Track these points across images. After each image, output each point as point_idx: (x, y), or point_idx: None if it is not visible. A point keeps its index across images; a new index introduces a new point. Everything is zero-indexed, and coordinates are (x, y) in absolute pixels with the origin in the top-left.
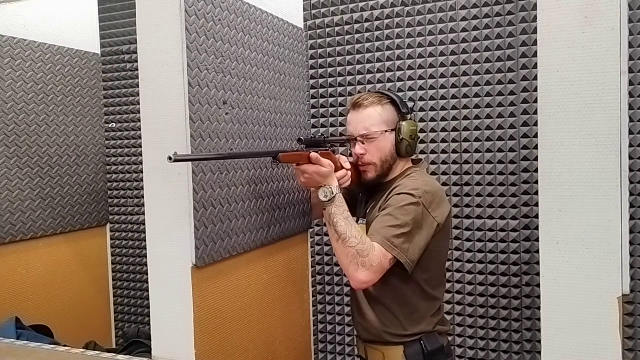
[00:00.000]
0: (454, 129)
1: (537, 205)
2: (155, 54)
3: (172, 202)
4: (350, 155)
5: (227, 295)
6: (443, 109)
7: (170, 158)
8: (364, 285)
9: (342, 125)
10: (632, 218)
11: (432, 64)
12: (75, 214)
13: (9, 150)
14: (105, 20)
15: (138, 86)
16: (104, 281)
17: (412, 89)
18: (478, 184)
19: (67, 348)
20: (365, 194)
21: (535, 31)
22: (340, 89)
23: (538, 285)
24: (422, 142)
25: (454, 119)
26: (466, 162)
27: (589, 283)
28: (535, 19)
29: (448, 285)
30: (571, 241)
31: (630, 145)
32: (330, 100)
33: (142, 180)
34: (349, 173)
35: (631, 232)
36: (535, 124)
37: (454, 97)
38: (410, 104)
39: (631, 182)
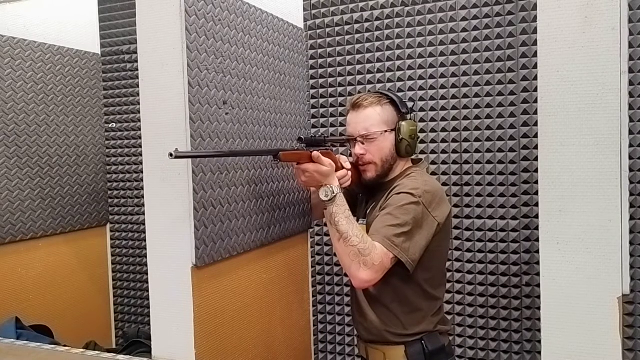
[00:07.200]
0: (454, 129)
1: (537, 205)
2: (155, 54)
3: (172, 202)
4: (350, 155)
5: (227, 295)
6: (443, 109)
7: (171, 154)
8: (365, 285)
9: (342, 125)
10: (632, 218)
11: (432, 64)
12: (75, 214)
13: (9, 150)
14: (105, 20)
15: (138, 86)
16: (104, 281)
17: (412, 89)
18: (478, 184)
19: (67, 348)
20: (365, 194)
21: (535, 31)
22: (340, 89)
23: (538, 285)
24: (422, 142)
25: (454, 119)
26: (466, 162)
27: (589, 283)
28: (535, 19)
29: (448, 285)
30: (571, 241)
31: (630, 145)
32: (330, 100)
33: (142, 180)
34: (349, 173)
35: (631, 232)
36: (535, 124)
37: (454, 97)
38: (410, 104)
39: (631, 182)
